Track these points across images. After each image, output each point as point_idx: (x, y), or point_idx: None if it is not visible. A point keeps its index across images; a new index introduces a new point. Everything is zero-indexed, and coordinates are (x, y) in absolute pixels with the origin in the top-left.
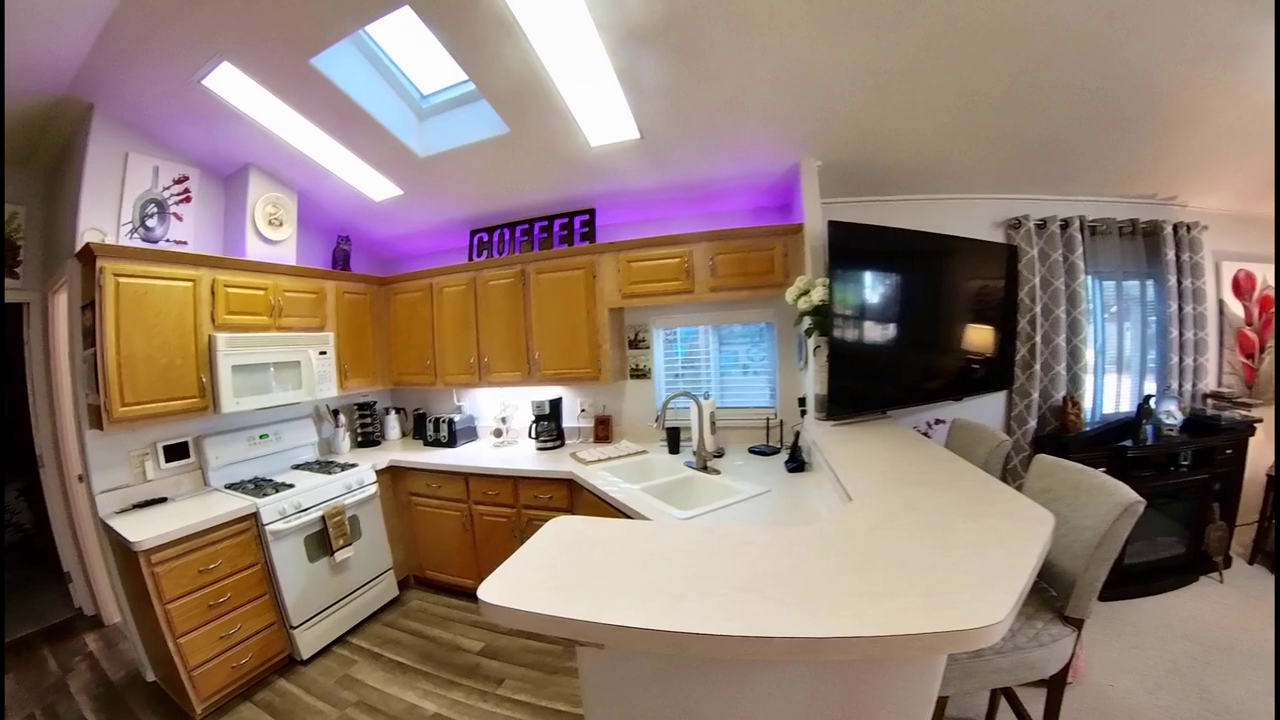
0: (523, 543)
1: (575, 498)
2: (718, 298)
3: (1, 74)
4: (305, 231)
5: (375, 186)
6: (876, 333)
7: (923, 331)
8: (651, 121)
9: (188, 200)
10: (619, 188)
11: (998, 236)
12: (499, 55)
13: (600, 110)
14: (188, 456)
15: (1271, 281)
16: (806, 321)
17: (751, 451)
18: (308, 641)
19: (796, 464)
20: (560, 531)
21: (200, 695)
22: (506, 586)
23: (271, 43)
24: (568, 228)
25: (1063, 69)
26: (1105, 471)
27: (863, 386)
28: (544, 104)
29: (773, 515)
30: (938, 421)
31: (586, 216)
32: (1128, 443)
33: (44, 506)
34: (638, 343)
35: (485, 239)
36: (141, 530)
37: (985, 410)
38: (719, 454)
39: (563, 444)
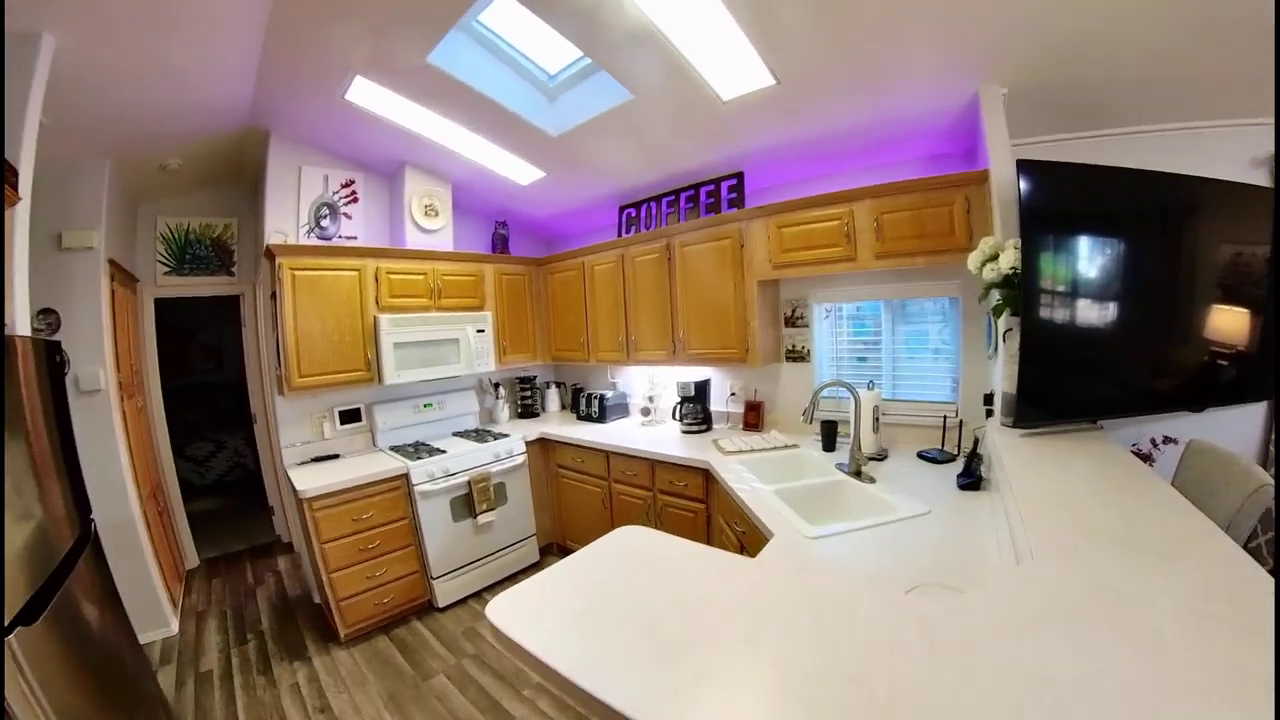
0: (659, 526)
1: (711, 489)
2: (886, 265)
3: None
4: (465, 218)
5: (519, 171)
6: (1085, 311)
7: (1149, 312)
8: (786, 62)
9: (355, 200)
10: (764, 145)
11: (1259, 180)
12: (604, 21)
13: (726, 59)
14: (360, 420)
15: None
16: (994, 296)
17: (920, 457)
18: (445, 592)
19: (971, 479)
20: (620, 545)
21: (345, 622)
22: (522, 606)
23: (387, 50)
24: (714, 195)
25: None
26: None
27: (1065, 383)
28: (663, 63)
29: (924, 549)
30: (1166, 440)
31: (734, 181)
32: None
33: (258, 453)
34: (795, 320)
35: (633, 214)
36: (309, 481)
37: (1236, 427)
38: (881, 456)
39: (709, 428)
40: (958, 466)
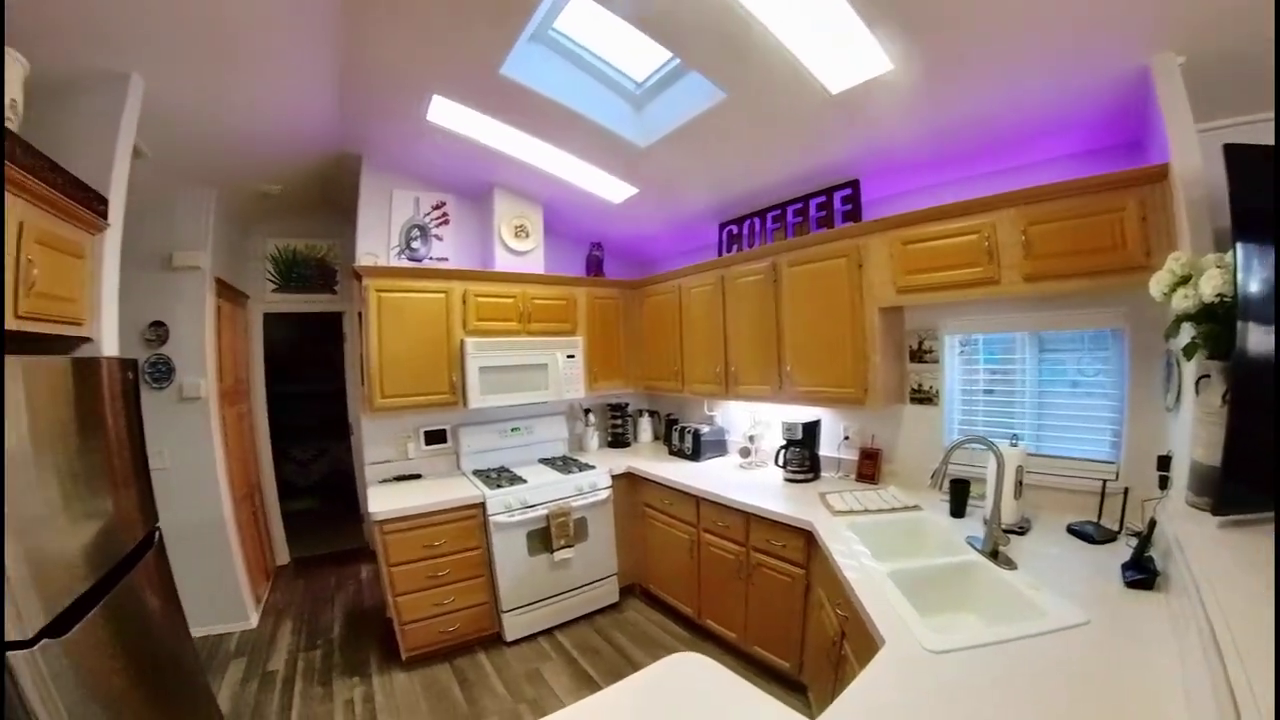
0: (749, 587)
1: (814, 553)
2: (1036, 290)
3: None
4: (558, 241)
5: (610, 189)
6: None
7: None
8: (903, 40)
9: (446, 222)
10: (881, 146)
11: None
12: (689, 13)
13: (833, 44)
14: (445, 441)
15: None
16: (1186, 331)
17: (1071, 532)
18: (514, 627)
19: (1143, 575)
20: (663, 682)
21: (408, 646)
22: None
23: (458, 64)
24: (826, 207)
25: None
26: None
27: None
28: (759, 50)
29: (1082, 686)
30: None
31: (848, 191)
32: None
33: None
34: (921, 354)
35: (735, 232)
36: (383, 502)
37: None
38: (1022, 529)
39: (816, 477)
40: (1120, 549)
